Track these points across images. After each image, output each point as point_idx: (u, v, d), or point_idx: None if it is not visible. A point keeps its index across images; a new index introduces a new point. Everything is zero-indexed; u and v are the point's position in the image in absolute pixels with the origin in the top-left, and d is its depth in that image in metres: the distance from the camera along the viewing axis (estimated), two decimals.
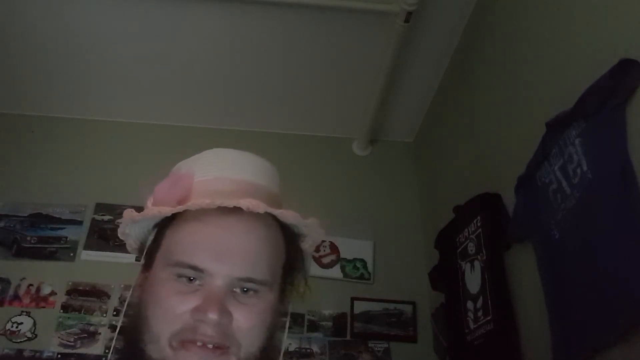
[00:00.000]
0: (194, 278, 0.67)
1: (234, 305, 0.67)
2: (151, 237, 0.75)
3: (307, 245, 0.81)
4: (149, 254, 0.74)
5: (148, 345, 0.66)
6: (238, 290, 0.68)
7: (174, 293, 0.67)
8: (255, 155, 0.81)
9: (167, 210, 0.71)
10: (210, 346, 0.65)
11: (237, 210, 0.68)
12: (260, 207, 0.69)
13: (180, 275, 0.68)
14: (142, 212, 0.73)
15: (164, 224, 0.73)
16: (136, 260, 0.80)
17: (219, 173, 0.75)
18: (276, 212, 0.72)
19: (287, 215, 0.73)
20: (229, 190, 0.73)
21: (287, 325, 0.78)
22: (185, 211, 0.70)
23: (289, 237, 0.77)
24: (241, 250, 0.69)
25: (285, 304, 0.76)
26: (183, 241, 0.70)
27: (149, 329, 0.66)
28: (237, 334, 0.66)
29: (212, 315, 0.64)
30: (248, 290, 0.68)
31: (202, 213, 0.69)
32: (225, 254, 0.68)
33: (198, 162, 0.78)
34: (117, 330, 0.74)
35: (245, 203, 0.68)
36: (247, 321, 0.67)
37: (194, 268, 0.67)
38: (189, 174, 0.75)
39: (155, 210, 0.71)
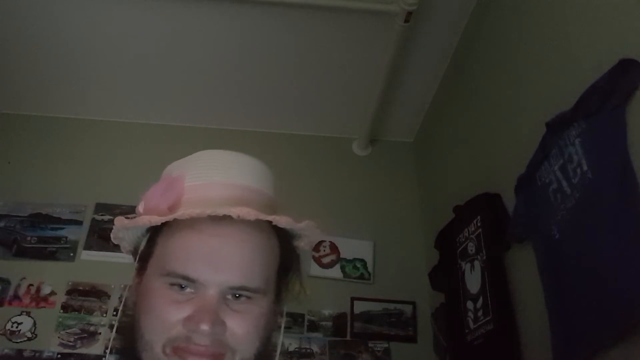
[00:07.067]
0: (186, 286, 0.67)
1: (227, 313, 0.66)
2: (144, 242, 0.74)
3: (303, 244, 0.79)
4: (142, 259, 0.73)
5: (142, 352, 0.66)
6: (230, 297, 0.67)
7: (166, 302, 0.66)
8: (248, 157, 0.78)
9: (157, 220, 0.70)
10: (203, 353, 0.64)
11: (228, 217, 0.67)
12: (252, 214, 0.67)
13: (172, 284, 0.67)
14: (132, 220, 0.72)
15: (157, 230, 0.72)
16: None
17: (210, 177, 0.73)
18: (268, 218, 0.70)
19: (280, 221, 0.72)
20: (220, 196, 0.71)
21: (283, 324, 0.77)
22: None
23: (284, 236, 0.75)
24: (234, 260, 0.67)
25: (280, 305, 0.76)
26: (175, 250, 0.69)
27: (142, 336, 0.66)
28: (231, 341, 0.66)
29: (205, 327, 0.63)
30: (240, 296, 0.68)
31: (193, 221, 0.68)
32: (218, 263, 0.67)
33: (189, 165, 0.76)
34: (115, 329, 0.74)
35: (236, 211, 0.67)
36: (241, 329, 0.66)
37: (187, 278, 0.66)
38: (179, 179, 0.73)
39: (146, 219, 0.70)
